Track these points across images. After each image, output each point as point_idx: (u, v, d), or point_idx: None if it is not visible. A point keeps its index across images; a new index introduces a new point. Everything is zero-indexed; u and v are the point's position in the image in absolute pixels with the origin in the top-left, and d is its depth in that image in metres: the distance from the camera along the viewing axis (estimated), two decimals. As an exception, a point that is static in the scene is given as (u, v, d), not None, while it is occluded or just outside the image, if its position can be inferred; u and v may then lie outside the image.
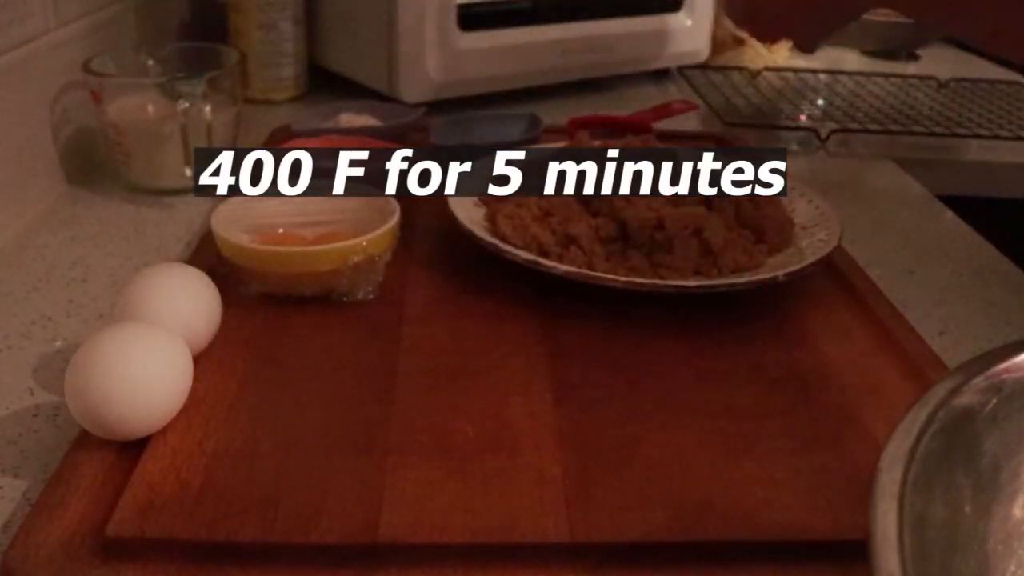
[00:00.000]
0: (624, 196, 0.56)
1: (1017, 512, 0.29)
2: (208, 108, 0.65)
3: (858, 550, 0.35)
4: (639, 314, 0.50)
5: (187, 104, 0.64)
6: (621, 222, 0.54)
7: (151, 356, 0.38)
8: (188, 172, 0.66)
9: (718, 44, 1.10)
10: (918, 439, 0.26)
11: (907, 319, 0.51)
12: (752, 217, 0.57)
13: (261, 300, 0.50)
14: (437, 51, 0.83)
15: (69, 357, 0.38)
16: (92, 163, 0.73)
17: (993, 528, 0.28)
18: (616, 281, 0.49)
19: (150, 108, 0.67)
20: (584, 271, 0.50)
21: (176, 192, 0.68)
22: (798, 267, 0.51)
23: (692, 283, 0.50)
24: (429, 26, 0.82)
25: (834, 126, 0.88)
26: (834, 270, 0.56)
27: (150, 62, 0.72)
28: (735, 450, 0.40)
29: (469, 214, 0.57)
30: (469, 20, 0.85)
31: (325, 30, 0.92)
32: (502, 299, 0.52)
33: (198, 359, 0.43)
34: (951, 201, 0.75)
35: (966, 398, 0.28)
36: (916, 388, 0.45)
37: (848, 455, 0.40)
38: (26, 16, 0.64)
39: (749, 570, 0.34)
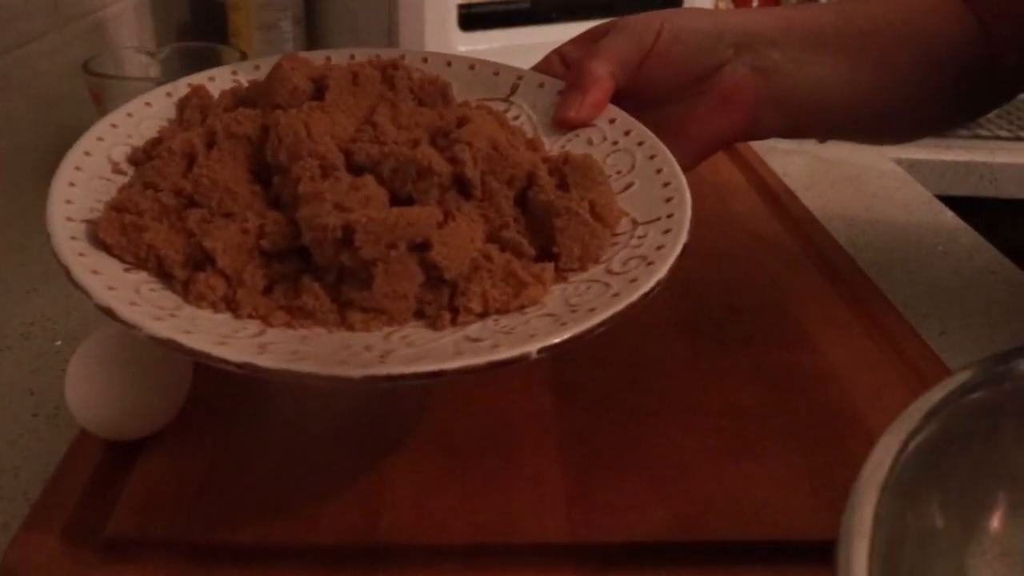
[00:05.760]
0: (321, 163, 0.35)
1: (994, 531, 0.29)
2: (208, 108, 0.65)
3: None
4: (640, 314, 0.50)
5: (187, 104, 0.64)
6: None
7: (151, 356, 0.38)
8: (188, 172, 0.66)
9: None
10: (893, 464, 0.25)
11: (907, 319, 0.51)
12: (544, 209, 0.37)
13: (261, 300, 0.50)
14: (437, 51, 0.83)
15: (69, 357, 0.38)
16: (92, 163, 0.72)
17: (970, 549, 0.28)
18: (226, 364, 0.29)
19: (150, 108, 0.67)
20: (185, 343, 0.30)
21: (176, 192, 0.68)
22: (569, 333, 0.31)
23: (356, 372, 0.29)
24: (429, 26, 0.82)
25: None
26: (834, 270, 0.56)
27: (150, 62, 0.72)
28: (735, 450, 0.40)
29: (90, 194, 0.36)
30: (469, 20, 0.85)
31: (325, 30, 0.92)
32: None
33: (198, 359, 0.43)
34: (951, 201, 0.75)
35: (941, 417, 0.28)
36: (916, 388, 0.44)
37: (849, 455, 0.40)
38: (26, 16, 0.64)
39: (750, 570, 0.34)
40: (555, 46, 0.90)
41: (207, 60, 0.71)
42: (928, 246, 0.65)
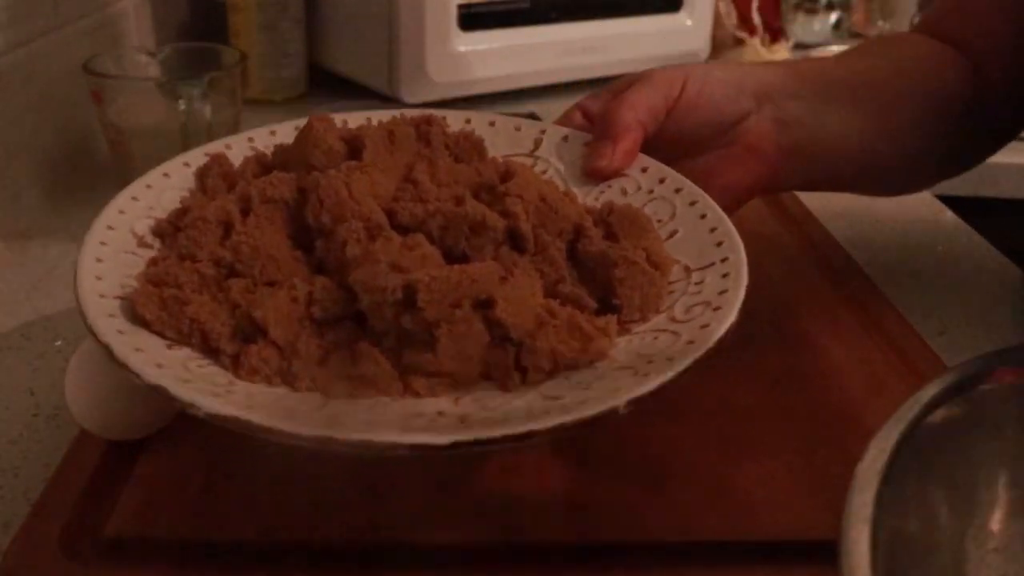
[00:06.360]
0: (365, 224, 0.34)
1: (994, 527, 0.29)
2: (208, 108, 0.65)
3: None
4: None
5: (187, 105, 0.64)
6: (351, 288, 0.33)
7: (151, 356, 0.38)
8: (188, 172, 0.66)
9: (718, 44, 1.10)
10: (892, 458, 0.25)
11: (907, 319, 0.51)
12: (599, 260, 0.36)
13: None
14: (437, 52, 0.83)
15: (69, 357, 0.38)
16: (93, 163, 0.73)
17: (969, 544, 0.28)
18: (299, 439, 0.28)
19: (151, 109, 0.67)
20: (253, 420, 0.28)
21: (176, 192, 0.68)
22: (655, 384, 0.30)
23: (443, 439, 0.27)
24: (429, 26, 0.82)
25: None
26: (834, 270, 0.56)
27: (150, 62, 0.72)
28: (735, 450, 0.40)
29: (118, 269, 0.35)
30: (469, 20, 0.85)
31: (325, 30, 0.92)
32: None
33: (198, 359, 0.43)
34: (952, 201, 0.75)
35: (941, 413, 0.28)
36: (916, 388, 0.44)
37: (848, 455, 0.39)
38: (27, 16, 0.64)
39: (749, 570, 0.34)
40: (555, 46, 0.90)
41: (207, 60, 0.71)
42: (928, 246, 0.65)
